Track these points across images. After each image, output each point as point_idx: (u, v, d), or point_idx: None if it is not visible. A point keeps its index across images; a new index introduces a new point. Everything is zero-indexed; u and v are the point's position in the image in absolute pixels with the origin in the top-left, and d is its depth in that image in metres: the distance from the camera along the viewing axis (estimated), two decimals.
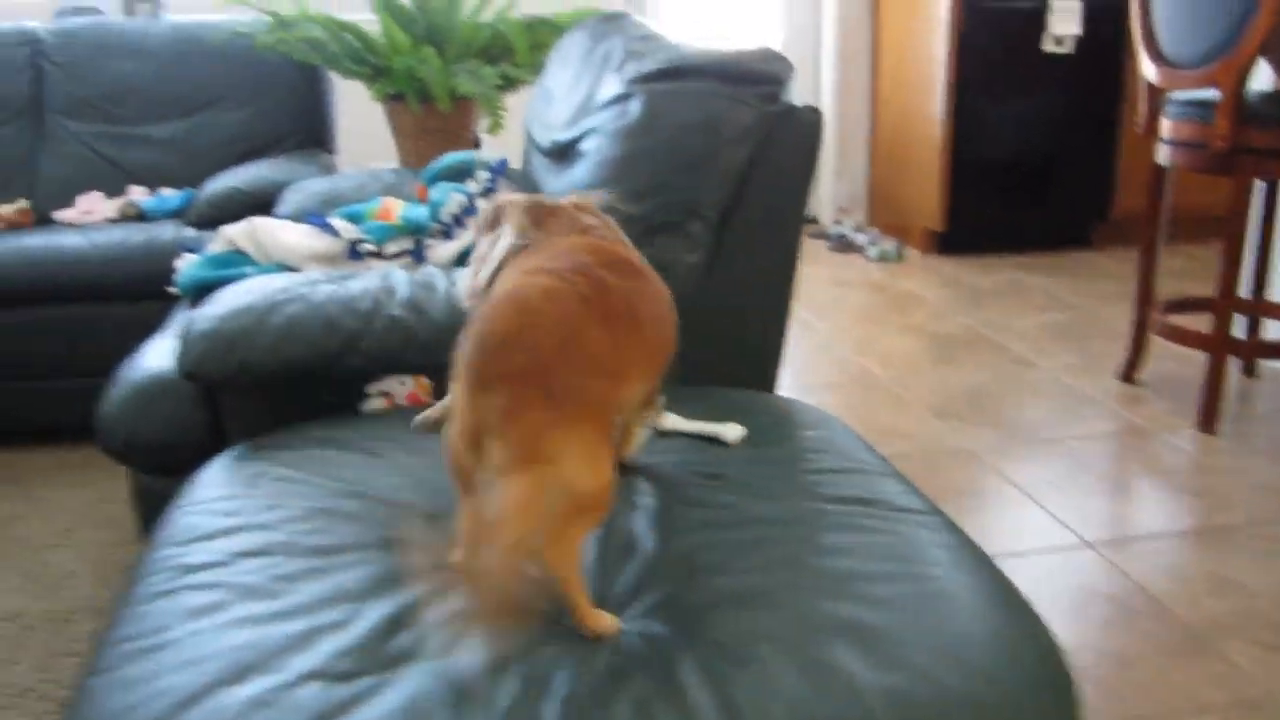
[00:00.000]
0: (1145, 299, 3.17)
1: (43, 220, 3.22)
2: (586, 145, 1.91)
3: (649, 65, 1.90)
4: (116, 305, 2.81)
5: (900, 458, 2.68)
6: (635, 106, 1.82)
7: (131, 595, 1.15)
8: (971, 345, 3.58)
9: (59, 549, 2.37)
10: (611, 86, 1.95)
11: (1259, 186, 3.16)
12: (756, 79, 1.82)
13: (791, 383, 3.27)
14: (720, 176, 1.74)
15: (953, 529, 1.26)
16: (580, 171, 1.89)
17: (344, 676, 0.97)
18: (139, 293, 2.77)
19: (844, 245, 4.91)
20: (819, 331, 3.77)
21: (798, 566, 1.14)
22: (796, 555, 1.17)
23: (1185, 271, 4.37)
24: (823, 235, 5.07)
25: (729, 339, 1.83)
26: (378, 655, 1.01)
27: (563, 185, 1.96)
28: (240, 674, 0.97)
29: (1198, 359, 3.22)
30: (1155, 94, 3.01)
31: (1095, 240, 4.88)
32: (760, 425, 1.51)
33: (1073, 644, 1.96)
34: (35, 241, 2.88)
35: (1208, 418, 2.87)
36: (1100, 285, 4.26)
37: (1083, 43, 4.54)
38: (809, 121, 1.79)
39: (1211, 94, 2.76)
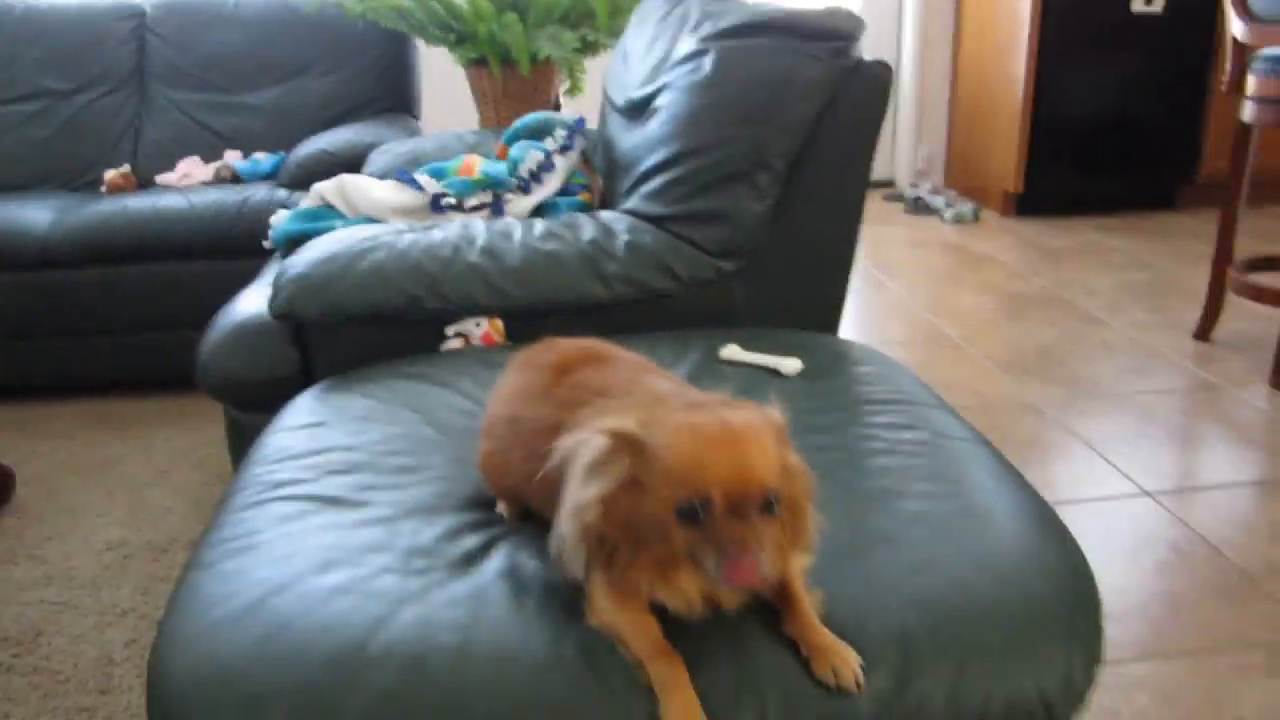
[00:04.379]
0: (1224, 257, 3.14)
1: (145, 184, 3.39)
2: (660, 101, 1.98)
3: (723, 23, 1.96)
4: (213, 262, 2.96)
5: (964, 411, 2.69)
6: (708, 62, 1.89)
7: (228, 505, 1.27)
8: (1044, 304, 3.58)
9: (157, 487, 2.53)
10: (686, 44, 2.01)
11: None
12: (827, 35, 1.87)
13: (861, 340, 3.31)
14: (788, 129, 1.80)
15: (995, 455, 1.31)
16: (654, 126, 1.96)
17: (418, 571, 1.07)
18: (234, 250, 2.92)
19: (920, 207, 4.90)
20: (892, 291, 3.80)
21: (843, 486, 1.21)
22: (843, 476, 1.24)
23: (1275, 233, 4.29)
24: (899, 198, 5.07)
25: (794, 284, 1.90)
26: (448, 556, 1.11)
27: (637, 139, 2.04)
28: (325, 567, 1.08)
29: (1276, 318, 3.19)
30: (1241, 51, 2.97)
31: (1180, 202, 4.81)
32: (817, 361, 1.58)
33: (1126, 586, 2.00)
34: (138, 203, 3.04)
35: None
36: (1182, 245, 4.20)
37: (1173, 2, 4.46)
38: (878, 76, 1.84)
39: None
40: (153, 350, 3.03)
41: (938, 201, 4.87)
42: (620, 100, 2.33)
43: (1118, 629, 1.87)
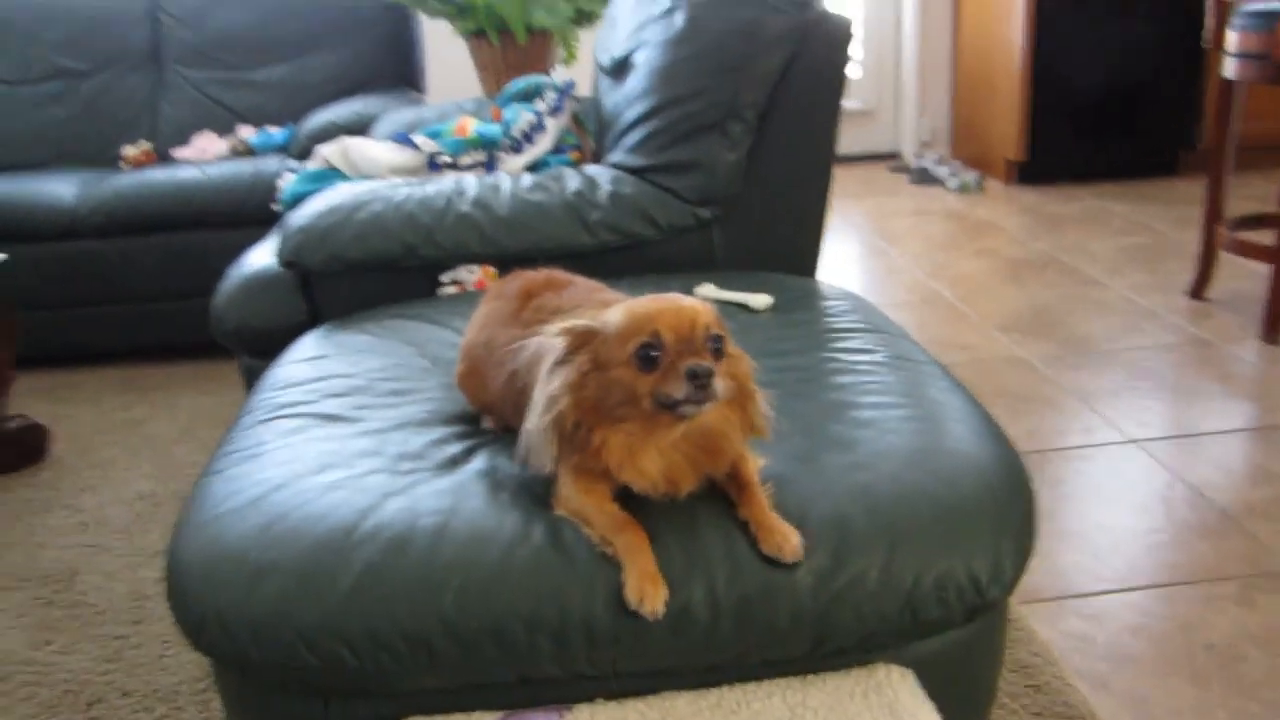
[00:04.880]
0: (1214, 215, 3.20)
1: (163, 159, 3.51)
2: (638, 58, 2.07)
3: None
4: (228, 231, 3.04)
5: (956, 365, 2.79)
6: (679, 18, 1.98)
7: (238, 424, 1.38)
8: (1043, 267, 3.65)
9: (182, 443, 2.66)
10: (660, 2, 2.10)
11: None
12: None
13: None
14: (757, 79, 1.89)
15: (948, 376, 1.40)
16: (633, 82, 2.05)
17: (405, 472, 1.17)
18: (248, 219, 3.01)
19: (925, 178, 4.97)
20: (893, 258, 3.87)
21: (803, 399, 1.30)
22: (804, 392, 1.33)
23: (1272, 196, 4.32)
24: (904, 169, 5.13)
25: (771, 231, 1.98)
26: (433, 459, 1.21)
27: (619, 97, 2.13)
28: (321, 469, 1.18)
29: (1269, 275, 3.24)
30: (1223, 7, 3.03)
31: (1182, 168, 4.85)
32: (788, 297, 1.67)
33: (1106, 524, 2.07)
34: (158, 176, 3.17)
35: (1271, 328, 2.91)
36: (1182, 210, 4.24)
37: None
38: (840, 27, 1.93)
39: (1275, 4, 2.78)
40: (174, 318, 3.15)
41: (942, 172, 4.93)
42: (606, 61, 2.42)
43: (1095, 563, 1.94)
